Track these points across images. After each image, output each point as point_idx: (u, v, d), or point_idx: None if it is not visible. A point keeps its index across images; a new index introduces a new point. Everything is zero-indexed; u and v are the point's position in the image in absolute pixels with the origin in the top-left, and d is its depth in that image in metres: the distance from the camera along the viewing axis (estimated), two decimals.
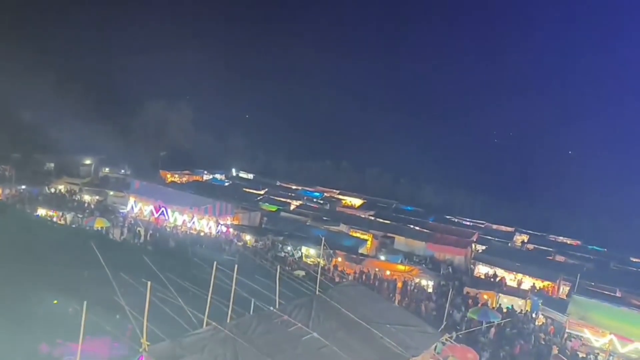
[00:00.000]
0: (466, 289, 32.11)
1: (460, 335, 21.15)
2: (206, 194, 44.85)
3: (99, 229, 34.49)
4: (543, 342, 25.65)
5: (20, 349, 15.18)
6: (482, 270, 38.64)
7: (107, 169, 58.42)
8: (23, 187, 43.93)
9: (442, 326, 18.64)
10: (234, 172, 76.04)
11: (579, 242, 54.78)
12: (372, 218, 50.32)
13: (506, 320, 26.74)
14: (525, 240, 53.93)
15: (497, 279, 36.80)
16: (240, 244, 37.14)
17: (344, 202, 63.70)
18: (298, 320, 13.72)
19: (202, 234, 39.70)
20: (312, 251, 35.95)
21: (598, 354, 24.99)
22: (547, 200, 75.28)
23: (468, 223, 59.20)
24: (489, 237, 49.89)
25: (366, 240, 41.74)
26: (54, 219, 37.86)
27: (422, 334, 16.15)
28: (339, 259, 34.49)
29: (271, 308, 13.91)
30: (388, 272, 33.36)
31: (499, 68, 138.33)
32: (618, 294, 33.11)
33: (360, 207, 60.70)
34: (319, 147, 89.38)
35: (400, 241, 42.58)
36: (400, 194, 73.41)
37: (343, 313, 15.13)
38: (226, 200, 43.35)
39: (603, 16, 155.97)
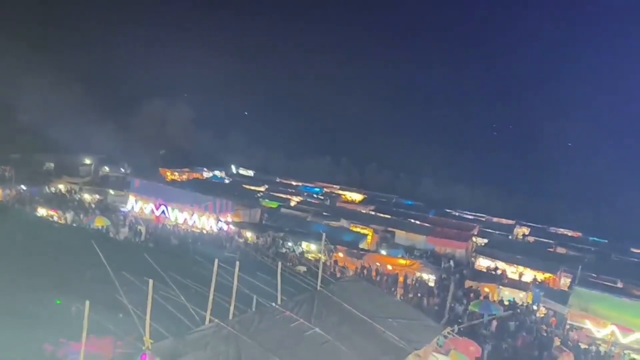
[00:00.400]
0: (467, 282, 32.19)
1: (462, 329, 21.21)
2: (206, 192, 44.82)
3: (100, 227, 34.53)
4: (545, 334, 25.73)
5: (23, 349, 15.22)
6: (483, 263, 38.69)
7: (107, 168, 58.34)
8: (23, 187, 43.91)
9: (444, 319, 18.75)
10: (233, 169, 75.94)
11: (579, 234, 54.78)
12: (373, 213, 50.37)
13: (508, 313, 26.82)
14: (526, 233, 53.98)
15: (498, 271, 36.87)
16: (241, 240, 37.20)
17: (344, 197, 63.70)
18: (300, 316, 13.75)
19: (203, 231, 39.73)
20: (313, 247, 36.01)
21: (600, 344, 25.07)
22: (547, 192, 75.19)
23: (468, 216, 59.17)
24: (490, 230, 49.92)
25: (367, 235, 41.79)
26: (55, 219, 37.88)
27: (424, 328, 16.20)
28: (340, 254, 34.55)
29: (273, 304, 13.93)
30: (389, 267, 33.43)
31: (497, 60, 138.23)
32: (619, 285, 33.23)
33: (361, 202, 60.71)
34: (319, 143, 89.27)
35: (400, 235, 42.68)
36: (400, 188, 73.29)
37: (345, 308, 15.16)
38: (226, 198, 43.37)
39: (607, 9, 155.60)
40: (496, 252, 39.44)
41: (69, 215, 37.94)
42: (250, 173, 75.17)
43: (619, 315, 25.89)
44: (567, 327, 26.53)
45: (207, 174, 67.50)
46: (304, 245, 36.38)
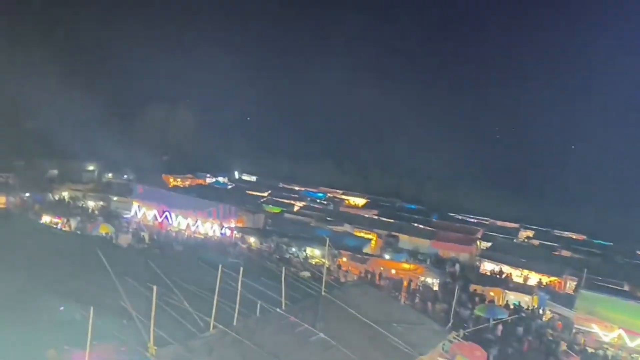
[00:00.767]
0: (472, 286, 32.04)
1: (467, 333, 21.07)
2: (209, 197, 44.81)
3: (104, 234, 34.52)
4: (551, 338, 25.55)
5: (28, 356, 15.17)
6: (487, 267, 38.57)
7: (110, 175, 58.48)
8: (27, 194, 43.98)
9: (449, 324, 18.59)
10: (236, 174, 76.06)
11: (584, 237, 54.61)
12: (376, 217, 50.28)
13: (513, 317, 26.66)
14: (530, 236, 53.75)
15: (503, 275, 36.74)
16: (244, 246, 37.14)
17: (347, 202, 63.65)
18: (305, 322, 13.67)
19: (206, 237, 39.69)
20: (316, 252, 35.91)
21: (607, 348, 24.88)
22: (551, 195, 75.11)
23: (472, 220, 59.04)
24: (494, 234, 49.79)
25: (370, 239, 41.67)
26: (59, 226, 37.90)
27: (430, 333, 16.11)
28: (344, 259, 34.45)
29: (277, 310, 13.87)
30: (393, 271, 33.32)
31: (501, 62, 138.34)
32: (625, 288, 33.01)
33: (364, 206, 60.64)
34: (321, 147, 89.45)
35: (404, 240, 42.56)
36: (403, 192, 73.29)
37: (349, 313, 15.08)
38: (229, 203, 43.33)
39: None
40: (501, 256, 39.33)
41: (73, 222, 37.97)
42: (253, 178, 75.27)
43: (626, 319, 25.73)
44: (574, 331, 26.34)
45: (209, 180, 67.57)
46: (308, 250, 36.29)
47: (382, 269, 33.44)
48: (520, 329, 25.67)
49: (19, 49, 61.03)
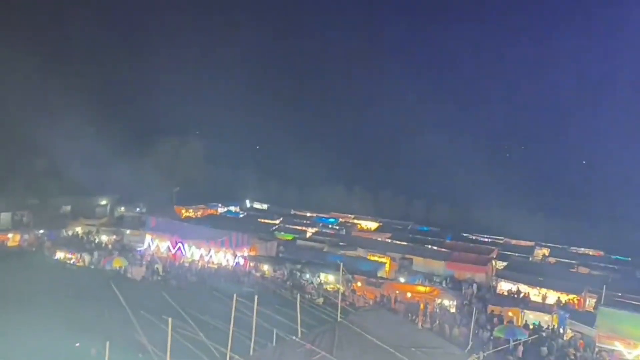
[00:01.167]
0: (490, 307, 31.58)
1: (487, 355, 20.70)
2: (222, 227, 44.92)
3: (117, 268, 34.60)
4: (573, 358, 24.99)
5: None
6: (504, 286, 38.01)
7: (122, 208, 58.86)
8: (41, 231, 44.38)
9: (469, 347, 18.28)
10: (248, 203, 76.21)
11: (601, 253, 53.73)
12: (389, 240, 49.98)
13: (533, 337, 26.16)
14: (547, 254, 53.01)
15: (521, 295, 36.17)
16: (258, 274, 37.01)
17: (359, 226, 63.39)
18: (321, 348, 13.51)
19: (220, 266, 39.63)
20: (331, 277, 35.69)
21: None
22: (565, 211, 74.27)
23: (486, 240, 58.45)
24: (509, 253, 49.12)
25: (384, 263, 41.38)
26: (73, 261, 38.06)
27: (449, 356, 15.83)
28: (359, 284, 34.18)
29: (293, 337, 13.74)
30: (409, 294, 32.96)
31: (510, 77, 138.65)
32: None
33: (376, 230, 60.36)
34: (330, 172, 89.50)
35: (419, 262, 42.22)
36: (414, 214, 72.98)
37: (366, 338, 14.88)
38: (242, 232, 43.34)
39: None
40: (517, 275, 38.76)
41: (87, 257, 38.14)
42: (265, 206, 75.35)
43: None
44: (597, 349, 25.75)
45: (221, 210, 67.74)
46: (322, 276, 36.08)
47: (397, 292, 33.09)
48: (543, 349, 25.16)
49: (31, 87, 62.30)
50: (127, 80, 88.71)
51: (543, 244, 56.03)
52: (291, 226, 56.06)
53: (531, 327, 29.10)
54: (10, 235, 43.11)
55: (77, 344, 18.71)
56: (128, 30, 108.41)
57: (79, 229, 48.21)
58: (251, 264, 39.24)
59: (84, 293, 25.48)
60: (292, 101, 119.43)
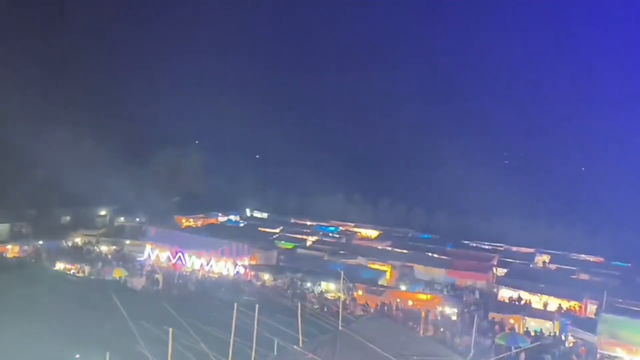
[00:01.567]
0: (491, 314, 31.49)
1: None
2: (222, 236, 44.81)
3: (118, 278, 34.54)
4: None
5: None
6: (505, 294, 37.93)
7: (122, 219, 58.79)
8: (40, 242, 44.29)
9: (471, 354, 18.22)
10: (248, 212, 76.12)
11: (601, 259, 53.64)
12: (390, 248, 49.89)
13: (535, 344, 26.06)
14: (547, 261, 52.91)
15: (522, 302, 36.07)
16: (259, 283, 36.93)
17: (359, 234, 63.26)
18: (323, 358, 13.45)
19: (220, 276, 39.53)
20: (331, 286, 35.62)
21: None
22: (565, 218, 74.17)
23: (487, 247, 58.38)
24: (510, 260, 49.06)
25: (385, 271, 41.31)
26: (73, 272, 37.98)
27: None
28: (359, 292, 34.10)
29: (295, 347, 13.69)
30: (410, 302, 32.88)
31: (510, 83, 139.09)
32: None
33: (377, 238, 60.25)
34: (330, 181, 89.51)
35: (419, 270, 42.14)
36: (415, 222, 72.81)
37: (368, 347, 14.82)
38: (242, 241, 43.26)
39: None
40: (518, 282, 38.70)
41: (87, 268, 38.07)
42: (265, 215, 75.26)
43: None
44: (598, 356, 25.67)
45: (221, 219, 67.64)
46: (323, 284, 36.00)
47: (398, 300, 33.02)
48: (547, 357, 25.06)
49: (30, 97, 62.36)
50: (126, 90, 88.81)
51: (543, 250, 55.96)
52: (291, 235, 55.93)
53: (533, 334, 29.02)
54: (9, 247, 43.02)
55: (77, 356, 18.68)
56: (128, 41, 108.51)
57: (78, 240, 48.13)
58: (252, 273, 39.16)
59: (84, 304, 25.46)
60: (292, 110, 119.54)
